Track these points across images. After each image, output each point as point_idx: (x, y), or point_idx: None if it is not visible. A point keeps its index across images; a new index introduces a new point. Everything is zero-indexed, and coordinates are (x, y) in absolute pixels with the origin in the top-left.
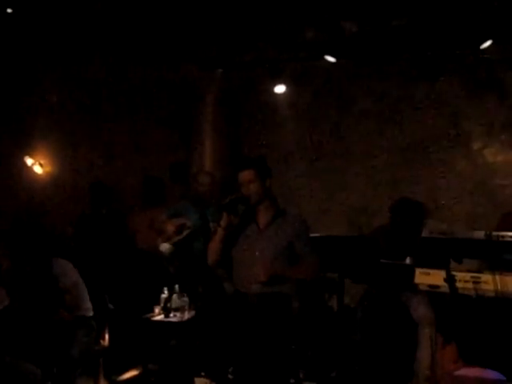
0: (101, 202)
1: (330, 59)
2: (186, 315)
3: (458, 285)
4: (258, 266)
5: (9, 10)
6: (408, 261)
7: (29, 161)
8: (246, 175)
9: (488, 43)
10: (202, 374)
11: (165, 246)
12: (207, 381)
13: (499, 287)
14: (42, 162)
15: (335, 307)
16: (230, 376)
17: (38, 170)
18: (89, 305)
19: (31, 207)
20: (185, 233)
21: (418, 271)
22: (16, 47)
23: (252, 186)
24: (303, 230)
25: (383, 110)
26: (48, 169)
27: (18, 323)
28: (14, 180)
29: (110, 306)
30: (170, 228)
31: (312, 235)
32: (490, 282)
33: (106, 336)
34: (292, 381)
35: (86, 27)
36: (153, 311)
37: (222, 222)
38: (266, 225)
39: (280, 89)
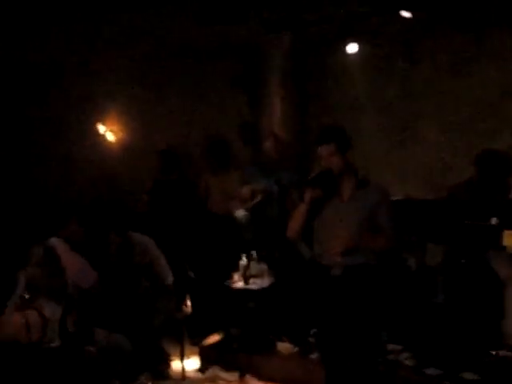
0: (170, 169)
1: (406, 14)
2: (266, 282)
3: None
4: (342, 235)
5: None
6: (493, 221)
7: (101, 128)
8: (326, 149)
9: None
10: (284, 338)
11: (240, 213)
12: (289, 345)
13: None
14: (113, 128)
15: (413, 266)
16: (311, 340)
17: (110, 137)
18: (168, 272)
19: (105, 176)
20: (259, 198)
21: (506, 233)
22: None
23: (333, 160)
24: (385, 200)
25: (457, 66)
26: (119, 136)
27: (106, 299)
28: (87, 148)
29: (191, 274)
30: (246, 193)
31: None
32: None
33: (188, 303)
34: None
35: None
36: (232, 278)
37: (306, 198)
38: (348, 196)
39: (352, 48)
